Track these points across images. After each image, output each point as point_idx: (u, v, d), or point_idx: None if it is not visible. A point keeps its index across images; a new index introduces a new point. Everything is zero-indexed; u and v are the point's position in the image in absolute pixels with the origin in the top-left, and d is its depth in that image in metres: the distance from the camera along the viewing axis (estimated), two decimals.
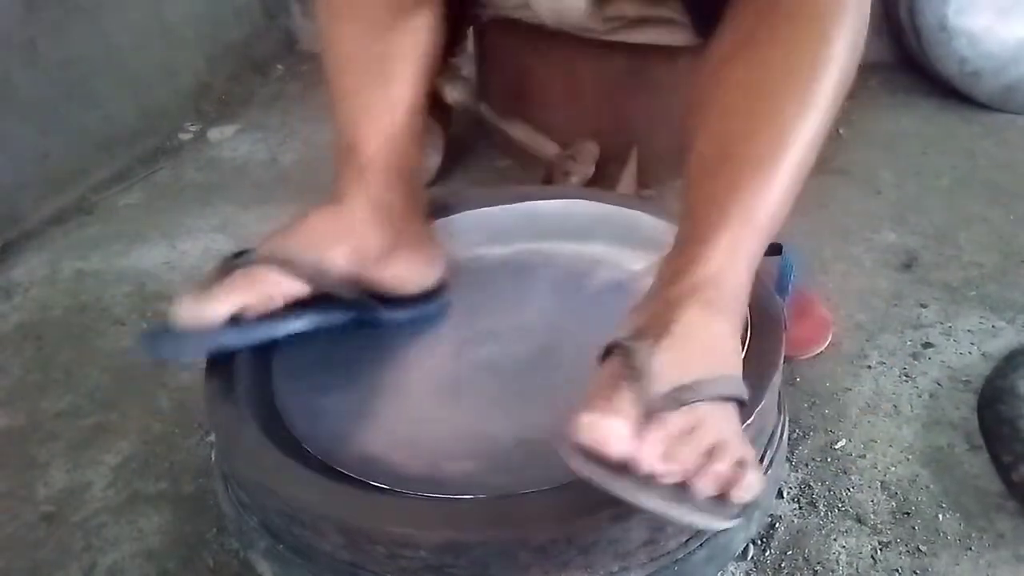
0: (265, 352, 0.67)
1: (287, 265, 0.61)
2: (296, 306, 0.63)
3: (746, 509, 0.47)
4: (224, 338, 0.61)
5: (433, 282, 0.71)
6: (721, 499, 0.45)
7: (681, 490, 0.45)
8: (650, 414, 0.46)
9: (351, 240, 0.64)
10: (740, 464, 0.45)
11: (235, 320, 0.60)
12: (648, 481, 0.44)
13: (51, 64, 1.22)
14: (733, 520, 0.46)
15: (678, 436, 0.46)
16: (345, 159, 0.67)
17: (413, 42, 0.69)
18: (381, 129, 0.67)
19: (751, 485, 0.45)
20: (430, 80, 0.71)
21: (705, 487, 0.44)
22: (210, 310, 0.59)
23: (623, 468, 0.45)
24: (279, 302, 0.62)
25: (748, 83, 0.57)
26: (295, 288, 0.62)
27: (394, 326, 0.69)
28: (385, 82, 0.68)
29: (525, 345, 0.69)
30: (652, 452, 0.44)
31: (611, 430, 0.45)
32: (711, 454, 0.45)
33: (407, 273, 0.69)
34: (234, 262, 0.62)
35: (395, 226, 0.67)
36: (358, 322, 0.67)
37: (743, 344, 0.61)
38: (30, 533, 0.73)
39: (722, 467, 0.45)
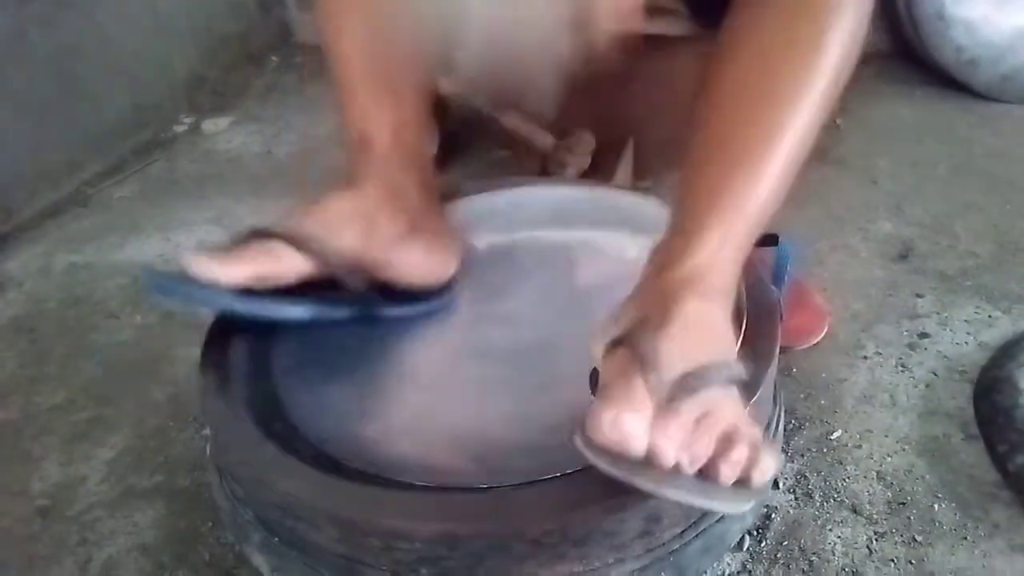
0: (260, 345, 0.67)
1: (300, 242, 0.62)
2: (302, 289, 0.63)
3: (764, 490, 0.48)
4: (231, 302, 0.61)
5: (445, 275, 0.71)
6: (741, 482, 0.46)
7: (704, 478, 0.46)
8: (663, 404, 0.46)
9: (366, 221, 0.65)
10: (754, 447, 0.46)
11: (245, 292, 0.61)
12: (671, 473, 0.45)
13: (44, 57, 1.21)
14: (750, 503, 0.47)
15: (692, 424, 0.46)
16: (359, 149, 0.67)
17: (419, 37, 0.69)
18: (392, 119, 0.67)
19: (767, 467, 0.46)
20: (435, 81, 0.72)
21: (729, 474, 0.46)
22: (224, 271, 0.59)
23: (646, 462, 0.45)
24: (289, 279, 0.62)
25: (745, 74, 0.58)
26: (306, 267, 0.62)
27: (395, 322, 0.69)
28: (395, 81, 0.68)
29: (520, 336, 0.69)
30: (673, 443, 0.45)
31: (632, 427, 0.45)
32: (727, 439, 0.46)
33: (420, 260, 0.69)
34: (252, 235, 0.63)
35: (410, 211, 0.67)
36: (360, 318, 0.67)
37: (739, 334, 0.61)
38: (25, 528, 0.73)
39: (739, 452, 0.46)
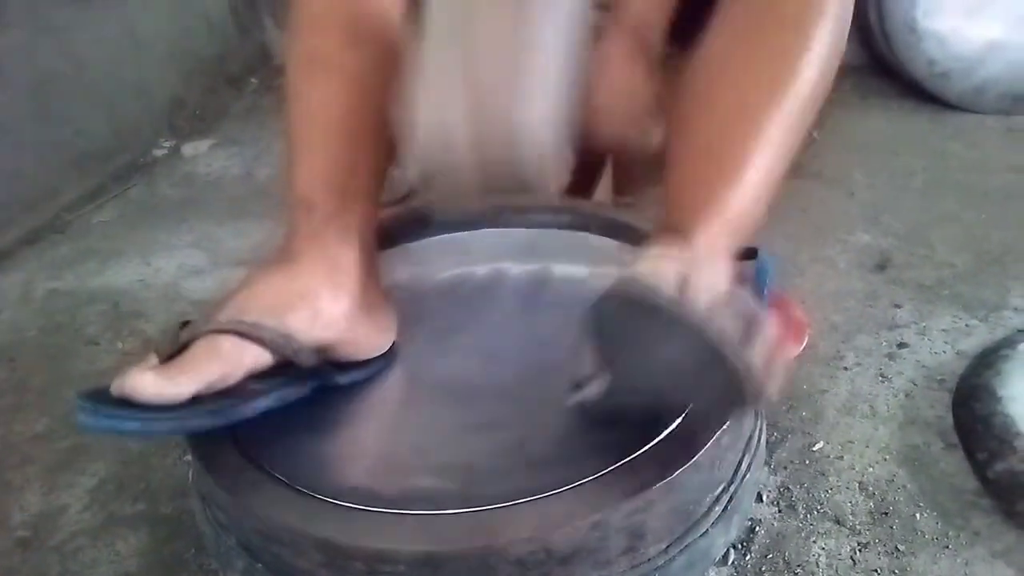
0: None
1: (252, 332, 0.57)
2: (257, 377, 0.59)
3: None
4: (183, 423, 0.55)
5: (386, 347, 0.68)
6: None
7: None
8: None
9: (310, 305, 0.61)
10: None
11: (197, 399, 0.55)
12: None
13: (21, 84, 1.21)
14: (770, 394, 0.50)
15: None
16: (301, 215, 0.64)
17: (387, 115, 0.67)
18: (343, 188, 0.65)
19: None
20: (395, 150, 0.69)
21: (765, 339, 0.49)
22: (173, 389, 0.53)
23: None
24: (241, 375, 0.57)
25: (727, 85, 0.59)
26: (258, 359, 0.58)
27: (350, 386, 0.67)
28: (351, 141, 0.66)
29: (496, 361, 0.69)
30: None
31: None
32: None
33: (364, 339, 0.65)
34: (192, 331, 0.57)
35: (351, 290, 0.63)
36: (317, 389, 0.64)
37: None
38: (5, 559, 0.72)
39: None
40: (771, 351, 0.49)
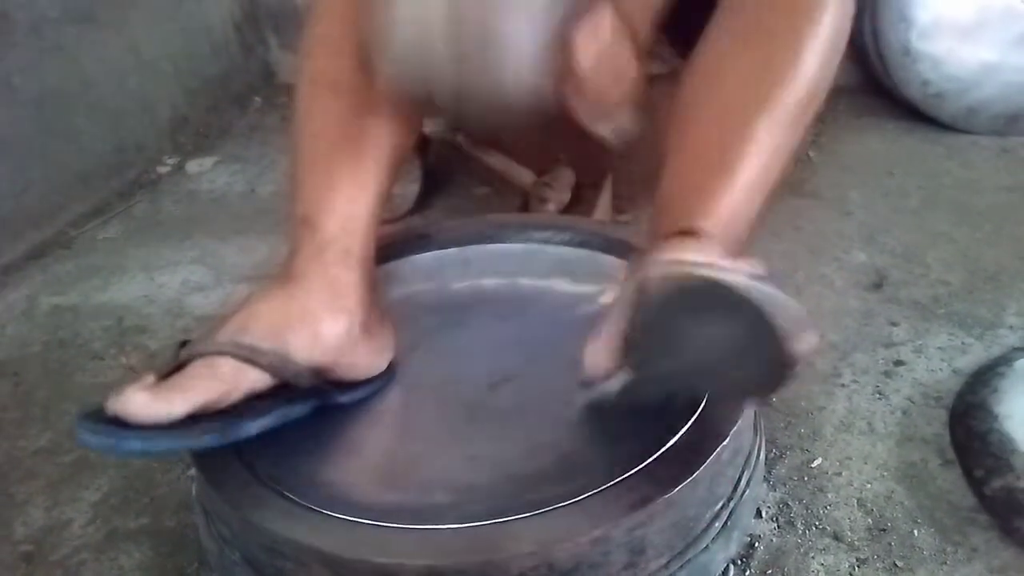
0: None
1: (250, 355, 0.58)
2: (256, 397, 0.59)
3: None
4: (185, 441, 0.56)
5: (384, 365, 0.69)
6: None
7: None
8: None
9: (310, 327, 0.61)
10: None
11: (193, 418, 0.55)
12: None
13: (28, 100, 1.22)
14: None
15: None
16: (303, 235, 0.65)
17: (390, 130, 0.68)
18: (345, 210, 0.65)
19: None
20: (399, 170, 0.71)
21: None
22: (167, 408, 0.54)
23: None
24: (239, 396, 0.58)
25: (721, 96, 0.60)
26: (257, 381, 0.58)
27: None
28: (356, 164, 0.67)
29: (496, 376, 0.69)
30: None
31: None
32: None
33: (362, 360, 0.66)
34: (190, 351, 0.58)
35: (351, 311, 0.64)
36: (316, 408, 0.64)
37: None
38: (9, 573, 0.72)
39: None
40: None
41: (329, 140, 0.67)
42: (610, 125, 0.75)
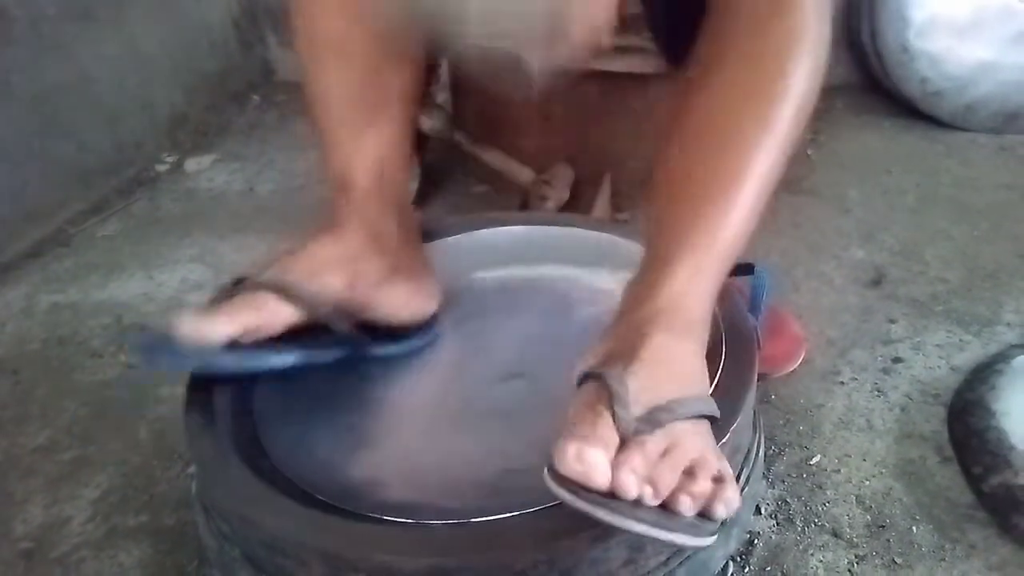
0: (245, 383, 0.68)
1: (287, 291, 0.62)
2: (290, 336, 0.64)
3: (724, 525, 0.48)
4: (221, 360, 0.61)
5: (429, 313, 0.72)
6: (702, 516, 0.46)
7: (664, 511, 0.46)
8: (629, 438, 0.47)
9: (350, 266, 0.66)
10: (718, 480, 0.47)
11: (232, 345, 0.61)
12: (633, 506, 0.45)
13: (26, 98, 1.22)
14: (712, 537, 0.47)
15: (657, 458, 0.47)
16: (339, 191, 0.68)
17: (400, 83, 0.69)
18: (373, 165, 0.68)
19: (730, 500, 0.46)
20: (415, 115, 0.74)
21: (687, 506, 0.45)
22: (211, 329, 0.60)
23: (609, 495, 0.45)
24: (276, 329, 0.63)
25: (710, 114, 0.59)
26: (292, 315, 0.63)
27: (381, 361, 0.69)
28: (374, 121, 0.69)
29: (503, 371, 0.70)
30: (636, 476, 0.45)
31: (594, 459, 0.45)
32: (690, 472, 0.46)
33: (404, 301, 0.70)
34: (235, 288, 0.63)
35: (392, 253, 0.68)
36: (348, 358, 0.67)
37: (719, 363, 0.63)
38: (8, 571, 0.72)
39: (701, 485, 0.46)
40: (712, 494, 0.46)
41: (344, 104, 0.69)
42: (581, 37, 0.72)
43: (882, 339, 0.93)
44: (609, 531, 0.52)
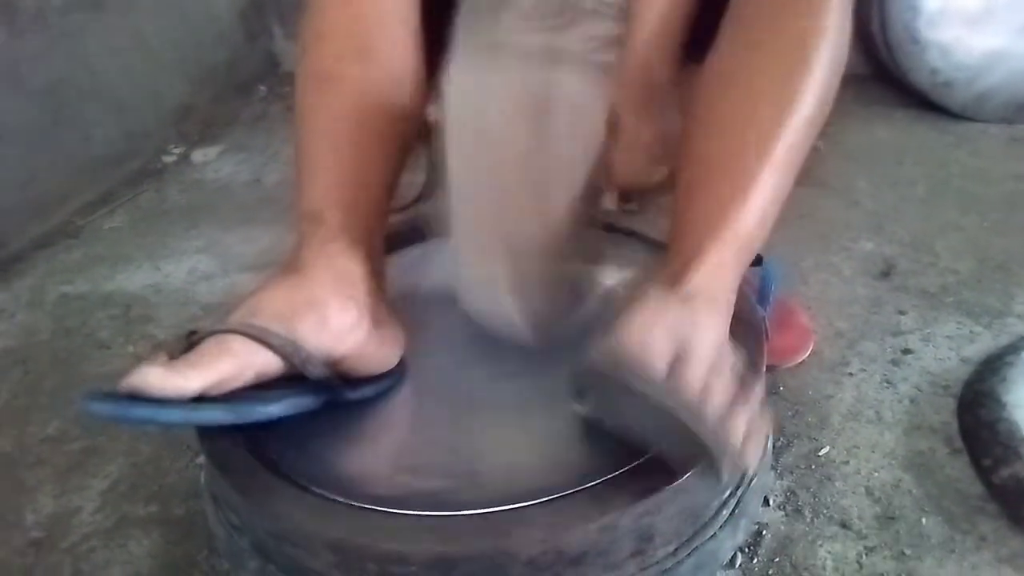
0: None
1: (260, 334, 0.57)
2: (264, 385, 0.58)
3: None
4: (197, 414, 0.55)
5: (394, 362, 0.68)
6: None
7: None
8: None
9: (318, 313, 0.60)
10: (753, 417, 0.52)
11: (203, 398, 0.54)
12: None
13: (34, 89, 1.22)
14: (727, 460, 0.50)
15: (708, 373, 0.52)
16: (309, 228, 0.64)
17: (393, 123, 0.68)
18: (352, 205, 0.65)
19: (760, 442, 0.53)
20: (404, 163, 0.71)
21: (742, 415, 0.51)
22: (182, 382, 0.53)
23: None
24: (250, 377, 0.57)
25: (733, 106, 0.60)
26: (268, 362, 0.57)
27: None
28: (360, 157, 0.66)
29: (507, 363, 0.69)
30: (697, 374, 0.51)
31: (658, 339, 0.51)
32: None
33: (373, 353, 0.65)
34: (201, 332, 0.58)
35: (358, 301, 0.63)
36: (327, 404, 0.63)
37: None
38: (19, 560, 0.72)
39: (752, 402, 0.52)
40: (753, 421, 0.51)
41: (331, 134, 0.67)
42: (636, 185, 0.80)
43: (891, 330, 0.92)
44: (617, 521, 0.52)
